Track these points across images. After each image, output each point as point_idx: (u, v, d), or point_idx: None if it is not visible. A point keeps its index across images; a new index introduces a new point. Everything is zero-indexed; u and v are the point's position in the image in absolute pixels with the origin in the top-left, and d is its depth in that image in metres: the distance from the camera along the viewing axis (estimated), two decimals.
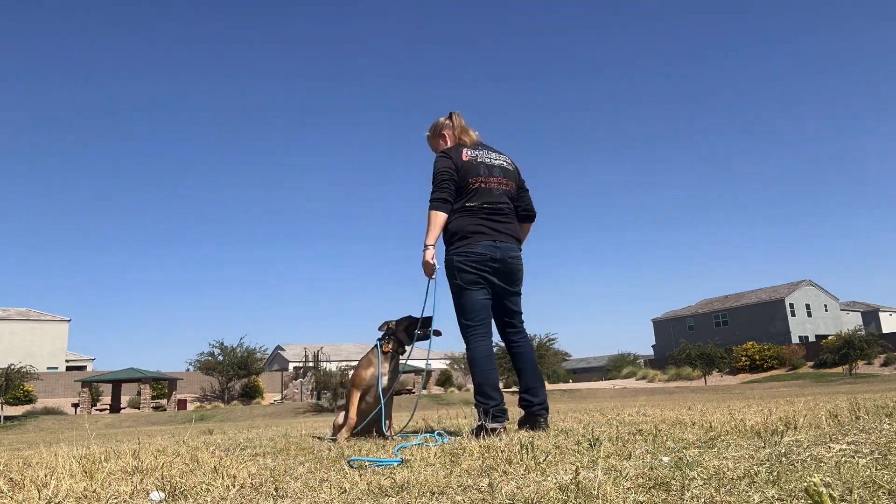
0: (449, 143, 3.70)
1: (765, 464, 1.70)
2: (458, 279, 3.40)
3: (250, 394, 39.23)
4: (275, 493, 1.73)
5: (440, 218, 3.39)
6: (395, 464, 2.15)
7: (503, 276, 3.44)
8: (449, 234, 3.45)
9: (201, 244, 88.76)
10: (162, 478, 2.06)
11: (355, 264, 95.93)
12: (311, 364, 40.18)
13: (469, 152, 3.55)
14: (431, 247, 3.37)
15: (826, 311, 57.69)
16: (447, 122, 3.74)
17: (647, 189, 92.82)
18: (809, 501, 1.17)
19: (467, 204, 3.46)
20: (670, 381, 42.92)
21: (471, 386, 3.57)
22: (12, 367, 29.37)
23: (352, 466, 2.18)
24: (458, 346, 3.57)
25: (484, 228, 3.42)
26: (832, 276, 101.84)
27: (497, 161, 3.60)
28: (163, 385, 38.64)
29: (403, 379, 44.38)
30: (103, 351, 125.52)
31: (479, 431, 3.18)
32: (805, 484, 1.32)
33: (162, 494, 1.77)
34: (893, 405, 3.57)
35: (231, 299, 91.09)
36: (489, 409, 3.26)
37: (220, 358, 37.10)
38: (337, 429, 3.62)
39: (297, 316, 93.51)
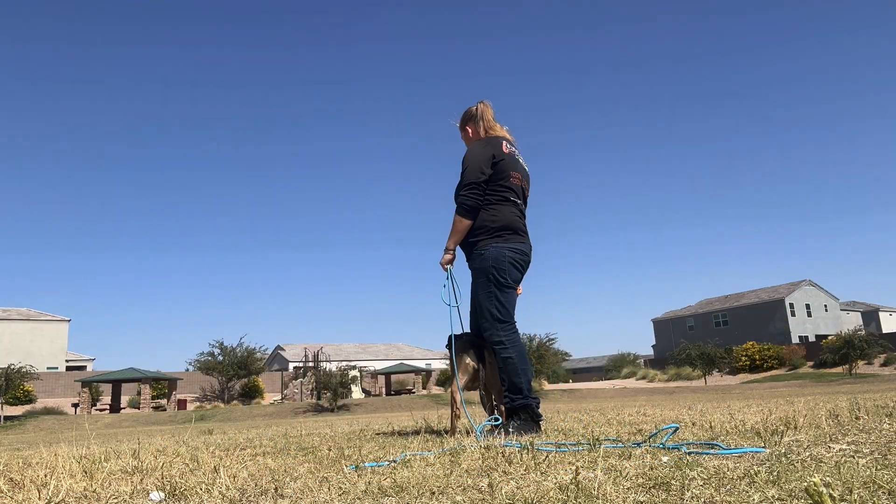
0: (472, 137, 3.56)
1: (765, 464, 1.70)
2: (506, 275, 3.30)
3: (250, 394, 39.21)
4: (275, 493, 1.73)
5: (464, 225, 3.33)
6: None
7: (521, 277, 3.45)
8: (499, 226, 3.33)
9: (201, 244, 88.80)
10: (162, 478, 2.06)
11: (355, 264, 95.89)
12: (311, 364, 40.12)
13: (508, 146, 3.45)
14: (451, 252, 3.35)
15: (826, 311, 57.66)
16: (475, 111, 3.58)
17: (648, 189, 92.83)
18: (809, 501, 1.17)
19: (511, 198, 3.38)
20: (670, 381, 42.91)
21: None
22: (12, 367, 29.36)
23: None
24: None
25: (523, 226, 3.43)
26: (832, 276, 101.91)
27: (521, 160, 3.54)
28: (163, 385, 38.63)
29: (403, 378, 44.34)
30: (103, 351, 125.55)
31: (525, 426, 3.12)
32: (805, 484, 1.32)
33: (162, 494, 1.77)
34: (893, 405, 3.57)
35: (231, 299, 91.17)
36: (535, 406, 3.23)
37: (220, 358, 37.04)
38: None
39: (297, 316, 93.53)
